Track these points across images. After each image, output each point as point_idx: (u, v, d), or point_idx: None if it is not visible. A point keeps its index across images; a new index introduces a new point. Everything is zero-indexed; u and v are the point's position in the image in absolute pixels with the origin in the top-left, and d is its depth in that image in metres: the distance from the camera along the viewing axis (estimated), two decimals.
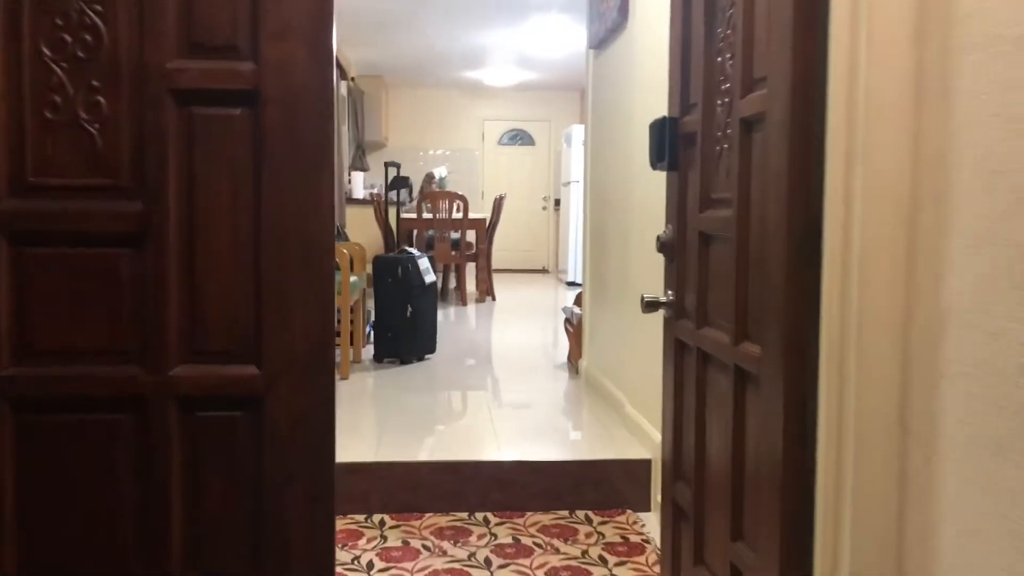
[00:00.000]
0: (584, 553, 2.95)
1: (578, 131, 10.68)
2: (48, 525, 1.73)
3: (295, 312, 1.70)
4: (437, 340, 5.94)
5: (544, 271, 13.73)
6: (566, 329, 5.80)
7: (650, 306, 2.29)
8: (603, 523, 3.23)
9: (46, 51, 1.65)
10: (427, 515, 3.27)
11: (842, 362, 1.53)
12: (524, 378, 5.32)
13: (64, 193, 1.67)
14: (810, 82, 1.56)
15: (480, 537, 3.08)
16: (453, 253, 9.20)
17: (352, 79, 10.80)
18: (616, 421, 4.08)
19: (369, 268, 6.09)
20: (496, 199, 10.12)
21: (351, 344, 5.39)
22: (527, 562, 2.87)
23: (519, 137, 13.82)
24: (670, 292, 2.29)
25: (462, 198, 9.13)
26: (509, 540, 3.05)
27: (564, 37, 9.18)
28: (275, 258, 1.69)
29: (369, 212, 9.95)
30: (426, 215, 9.12)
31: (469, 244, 9.48)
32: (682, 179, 2.20)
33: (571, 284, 10.99)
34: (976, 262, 1.29)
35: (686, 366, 2.22)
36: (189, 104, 1.68)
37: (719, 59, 1.94)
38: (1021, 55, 1.19)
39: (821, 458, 1.57)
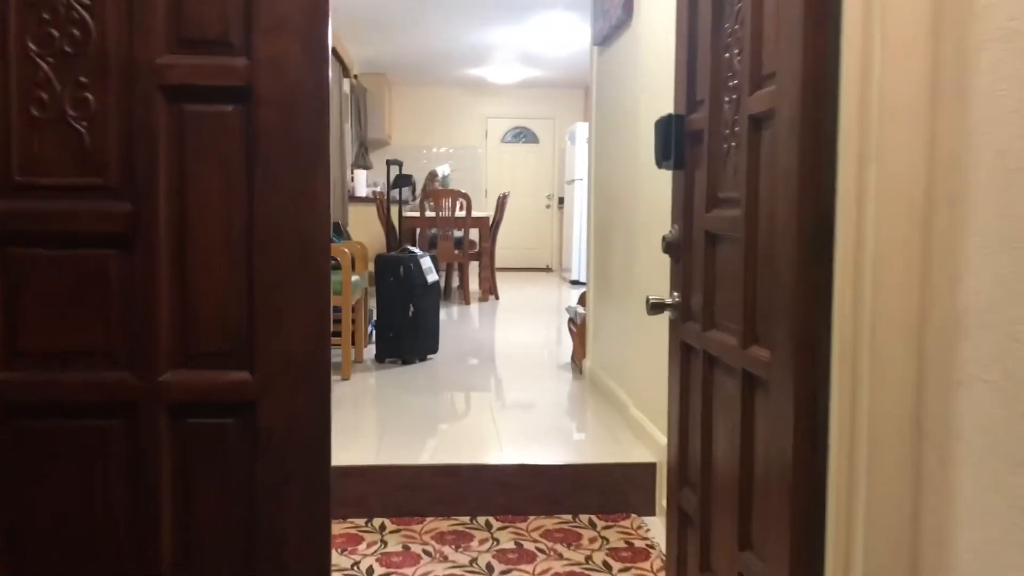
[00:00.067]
0: (588, 559, 2.90)
1: (582, 129, 10.64)
2: (37, 533, 1.68)
3: (290, 315, 1.65)
4: (440, 340, 5.90)
5: (548, 270, 13.68)
6: (570, 329, 5.75)
7: (656, 308, 2.24)
8: (607, 528, 3.18)
9: (32, 46, 1.59)
10: (428, 519, 3.23)
11: (855, 364, 1.48)
12: (527, 378, 5.28)
13: (51, 192, 1.62)
14: (821, 78, 1.51)
15: (482, 542, 3.03)
16: (456, 252, 9.16)
17: (355, 77, 10.76)
18: (620, 423, 4.03)
19: (371, 267, 6.04)
20: (499, 197, 10.08)
21: (352, 344, 5.35)
22: (530, 568, 2.82)
23: (523, 135, 13.77)
24: (676, 293, 2.24)
25: (465, 196, 9.09)
26: (511, 545, 3.00)
27: (568, 34, 9.13)
28: (269, 259, 1.64)
29: (372, 210, 9.92)
30: (429, 213, 9.07)
31: (472, 243, 9.44)
32: (688, 178, 2.15)
33: (575, 283, 10.95)
34: (994, 262, 1.24)
35: (692, 369, 2.17)
36: (180, 101, 1.63)
37: (727, 55, 1.89)
38: None
39: (833, 462, 1.52)
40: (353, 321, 5.33)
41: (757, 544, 1.78)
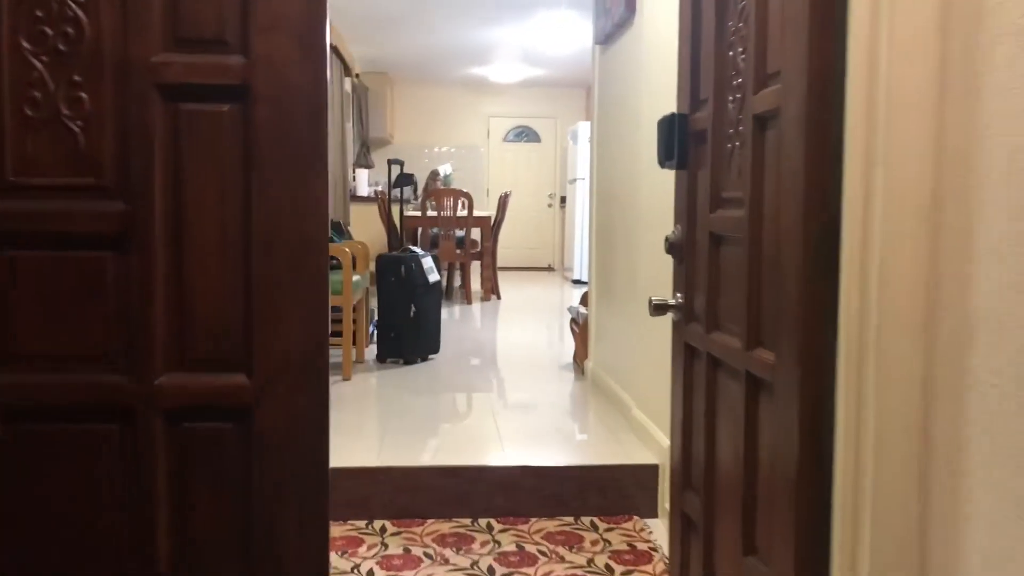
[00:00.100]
0: (590, 562, 2.87)
1: (584, 128, 10.61)
2: (32, 537, 1.66)
3: (287, 318, 1.62)
4: (441, 340, 5.87)
5: (550, 269, 13.66)
6: (572, 329, 5.72)
7: (658, 309, 2.21)
8: (609, 530, 3.15)
9: (26, 44, 1.57)
10: (429, 521, 3.20)
11: (861, 368, 1.45)
12: (529, 379, 5.25)
13: (45, 193, 1.60)
14: (827, 77, 1.48)
15: (483, 544, 3.00)
16: (458, 251, 9.13)
17: (357, 76, 10.73)
18: (623, 424, 4.00)
19: (372, 266, 6.02)
20: (501, 196, 10.05)
21: (354, 344, 5.32)
22: (531, 571, 2.80)
23: (525, 134, 13.74)
24: (679, 295, 2.21)
25: (467, 195, 9.06)
26: (513, 548, 2.98)
27: (570, 33, 9.10)
28: (266, 261, 1.62)
29: (374, 209, 9.89)
30: (431, 213, 9.05)
31: (474, 242, 9.41)
32: (691, 178, 2.12)
33: (577, 282, 10.92)
34: (1005, 265, 1.21)
35: (695, 371, 2.15)
36: (175, 99, 1.61)
37: (731, 53, 1.86)
38: None
39: (839, 470, 1.49)
40: (354, 321, 5.31)
41: (762, 549, 1.76)
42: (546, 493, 3.31)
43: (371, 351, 5.81)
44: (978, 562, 1.27)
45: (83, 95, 1.59)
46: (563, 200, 13.08)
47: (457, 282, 9.78)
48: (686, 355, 2.20)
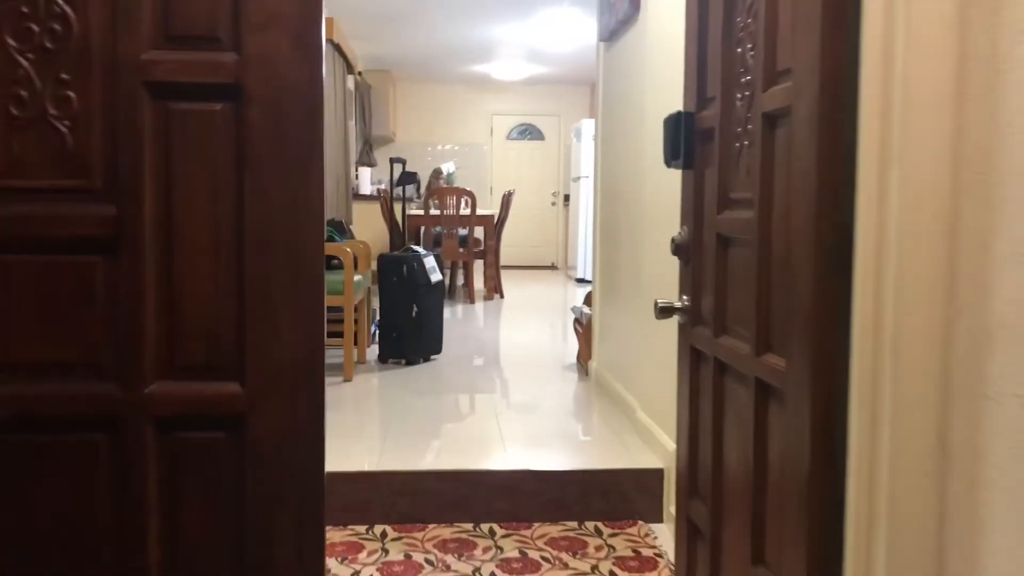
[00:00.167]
0: (594, 568, 2.82)
1: (588, 126, 10.56)
2: (20, 550, 1.61)
3: (282, 324, 1.57)
4: (443, 340, 5.82)
5: (553, 267, 13.61)
6: (575, 329, 5.67)
7: (664, 312, 2.16)
8: (613, 535, 3.10)
9: (11, 41, 1.52)
10: (430, 526, 3.15)
11: (876, 377, 1.40)
12: (532, 380, 5.20)
13: (31, 195, 1.54)
14: (840, 74, 1.43)
15: (485, 550, 2.95)
16: (461, 250, 9.09)
17: (359, 74, 10.69)
18: (627, 427, 3.95)
19: (374, 266, 5.97)
20: (505, 195, 10.00)
21: (355, 344, 5.27)
22: None
23: (528, 132, 13.69)
24: (685, 297, 2.16)
25: (470, 194, 9.01)
26: (516, 554, 2.93)
27: (574, 30, 9.05)
28: (260, 266, 1.57)
29: (376, 208, 9.85)
30: (433, 211, 9.00)
31: (477, 241, 9.36)
32: (698, 178, 2.07)
33: (580, 281, 10.87)
34: None
35: (702, 376, 2.10)
36: (166, 98, 1.56)
37: (739, 50, 1.81)
38: None
39: (852, 480, 1.44)
40: (356, 321, 5.26)
41: (771, 560, 1.71)
42: (549, 497, 3.26)
43: (373, 351, 5.77)
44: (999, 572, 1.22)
45: (71, 94, 1.54)
46: (567, 198, 13.02)
47: (460, 281, 9.73)
48: (692, 359, 2.15)
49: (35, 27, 1.52)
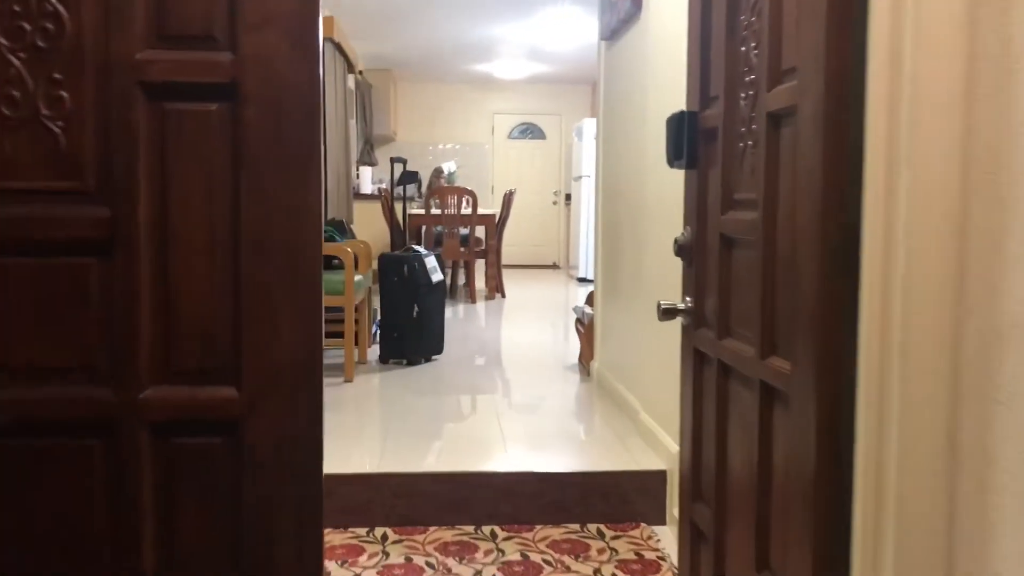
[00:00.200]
0: (596, 572, 2.80)
1: (589, 125, 10.53)
2: (13, 556, 1.58)
3: (278, 328, 1.55)
4: (445, 340, 5.80)
5: (555, 267, 13.58)
6: (577, 329, 5.65)
7: (667, 313, 2.14)
8: (616, 538, 3.07)
9: (2, 40, 1.49)
10: (431, 529, 3.13)
11: (883, 381, 1.37)
12: (534, 380, 5.18)
13: (24, 197, 1.52)
14: (846, 73, 1.40)
15: (487, 553, 2.93)
16: (462, 249, 9.06)
17: (360, 72, 10.66)
18: (630, 429, 3.92)
19: (375, 265, 5.94)
20: (506, 194, 9.98)
21: (356, 345, 5.25)
22: None
23: (529, 131, 13.66)
24: (688, 298, 2.13)
25: (471, 193, 8.99)
26: (517, 556, 2.90)
27: (575, 29, 9.02)
28: (256, 269, 1.54)
29: (377, 207, 9.82)
30: (435, 211, 8.97)
31: (478, 240, 9.34)
32: (702, 178, 2.05)
33: (582, 280, 10.84)
34: None
35: (706, 378, 2.07)
36: (161, 99, 1.53)
37: (743, 48, 1.79)
38: None
39: (859, 485, 1.42)
40: (356, 321, 5.24)
41: (776, 565, 1.68)
42: (551, 499, 3.24)
43: (374, 352, 5.74)
44: None
45: (63, 94, 1.51)
46: (568, 197, 12.99)
47: (461, 280, 9.71)
48: (696, 361, 2.12)
49: (27, 25, 1.50)
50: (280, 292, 1.55)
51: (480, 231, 9.41)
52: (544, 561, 2.87)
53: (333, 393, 4.60)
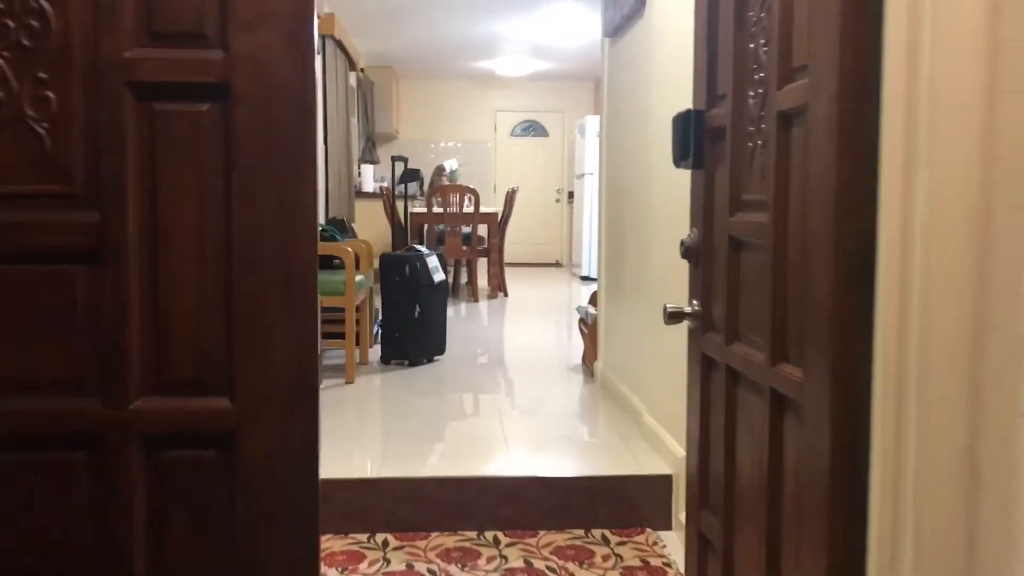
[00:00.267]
0: None
1: (592, 122, 10.47)
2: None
3: (273, 336, 1.50)
4: (447, 340, 5.75)
5: (558, 265, 13.52)
6: (580, 329, 5.59)
7: (674, 317, 2.08)
8: (621, 543, 3.02)
9: None
10: (433, 534, 3.08)
11: (900, 392, 1.32)
12: (537, 381, 5.13)
13: (8, 202, 1.46)
14: (860, 71, 1.35)
15: (489, 560, 2.88)
16: (464, 248, 9.01)
17: (361, 70, 10.60)
18: (634, 431, 3.87)
19: (376, 265, 5.89)
20: (508, 192, 9.93)
21: (357, 345, 5.20)
22: None
23: (532, 128, 13.61)
24: (695, 302, 2.08)
25: (473, 192, 8.94)
26: (520, 563, 2.85)
27: (579, 25, 8.97)
28: (249, 275, 1.49)
29: (379, 205, 9.77)
30: (437, 209, 8.92)
31: (481, 238, 9.29)
32: (709, 178, 1.99)
33: (585, 279, 10.79)
34: None
35: (713, 384, 2.02)
36: (150, 98, 1.48)
37: (751, 45, 1.73)
38: None
39: (875, 500, 1.36)
40: (357, 322, 5.18)
41: None
42: (555, 504, 3.19)
43: (375, 352, 5.69)
44: None
45: (49, 94, 1.46)
46: (571, 195, 12.94)
47: (464, 279, 9.66)
48: (703, 366, 2.07)
49: (11, 23, 1.44)
50: (274, 298, 1.50)
51: (482, 229, 9.36)
52: (548, 568, 2.82)
53: (334, 394, 4.56)
